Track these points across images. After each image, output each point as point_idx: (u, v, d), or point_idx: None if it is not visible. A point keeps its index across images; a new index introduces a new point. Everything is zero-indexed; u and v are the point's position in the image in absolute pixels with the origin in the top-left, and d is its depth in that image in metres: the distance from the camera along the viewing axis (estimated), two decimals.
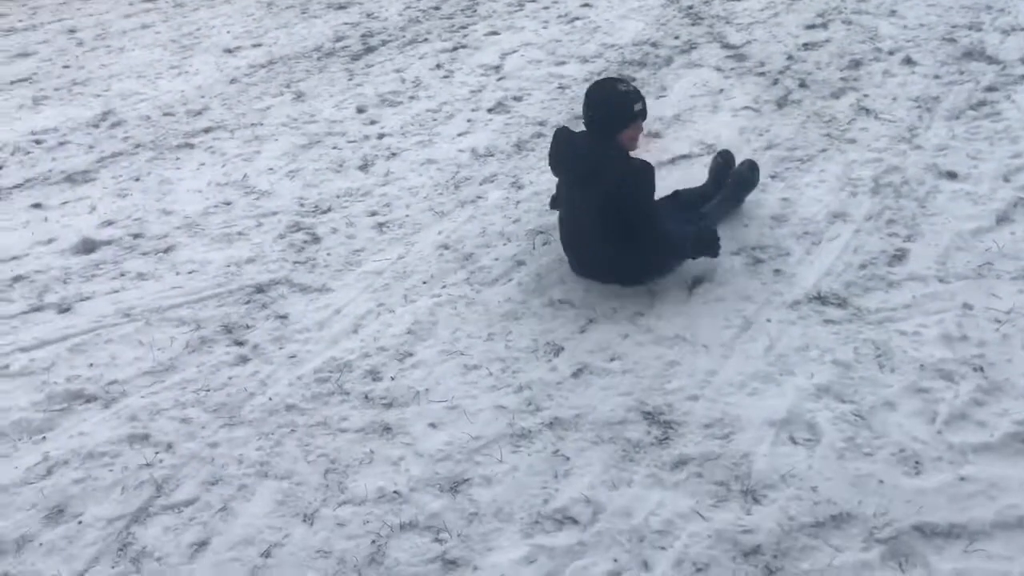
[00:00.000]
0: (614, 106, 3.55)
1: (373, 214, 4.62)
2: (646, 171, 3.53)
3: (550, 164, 3.81)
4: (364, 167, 5.18)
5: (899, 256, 3.78)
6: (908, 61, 5.72)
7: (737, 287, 3.69)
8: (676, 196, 4.09)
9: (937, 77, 5.45)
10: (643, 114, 3.59)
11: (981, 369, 3.06)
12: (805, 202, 4.27)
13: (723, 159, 4.26)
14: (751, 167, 4.21)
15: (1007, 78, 5.28)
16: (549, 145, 3.81)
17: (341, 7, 8.51)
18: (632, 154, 3.63)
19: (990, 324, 3.29)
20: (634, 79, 5.93)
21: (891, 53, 5.89)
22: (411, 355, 3.46)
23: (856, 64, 5.80)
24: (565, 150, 3.68)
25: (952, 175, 4.35)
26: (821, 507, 2.61)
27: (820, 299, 3.56)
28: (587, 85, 5.96)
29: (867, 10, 6.69)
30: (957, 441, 2.79)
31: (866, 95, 5.35)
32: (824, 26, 6.51)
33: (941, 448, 2.77)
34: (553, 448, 2.94)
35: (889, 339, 3.27)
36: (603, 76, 3.65)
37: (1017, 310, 3.33)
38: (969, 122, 4.85)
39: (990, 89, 5.19)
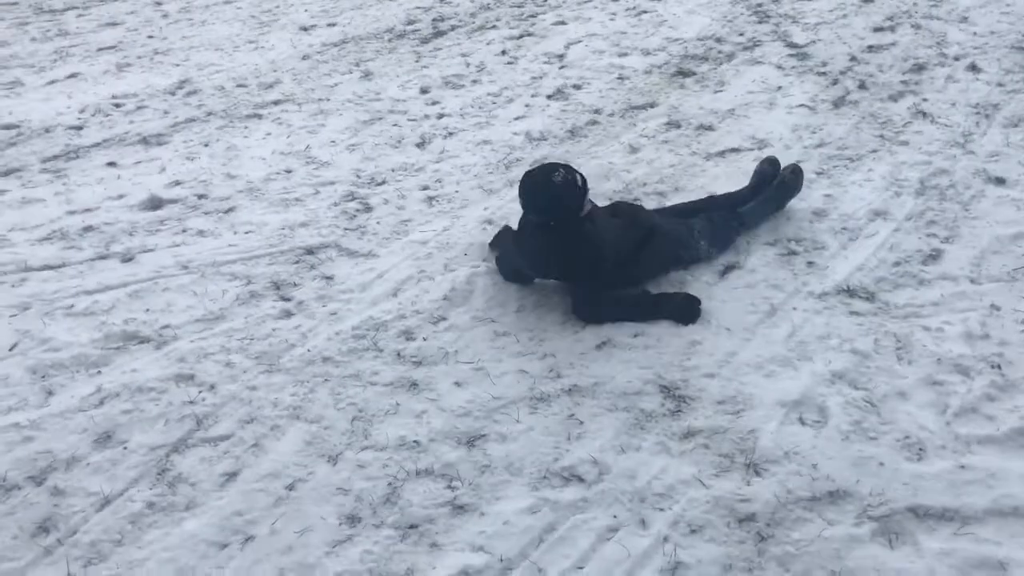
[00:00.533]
0: (568, 200, 3.51)
1: (424, 188, 4.79)
2: (591, 240, 3.56)
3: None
4: (421, 144, 5.36)
5: (934, 256, 3.81)
6: (973, 67, 5.68)
7: (768, 275, 3.76)
8: (711, 199, 4.16)
9: (1000, 85, 5.42)
10: (585, 182, 3.57)
11: (998, 367, 3.10)
12: (848, 199, 4.31)
13: (768, 166, 4.25)
14: (795, 171, 4.21)
15: None
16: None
17: None
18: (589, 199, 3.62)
19: (1015, 325, 3.31)
20: (694, 72, 6.00)
21: (956, 59, 5.86)
22: (444, 319, 3.62)
23: (919, 68, 5.78)
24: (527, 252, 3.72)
25: (1000, 181, 4.35)
26: (819, 483, 2.69)
27: (848, 292, 3.61)
28: (647, 76, 6.10)
29: (938, 15, 6.64)
30: (963, 432, 2.84)
31: (925, 99, 5.34)
32: (892, 29, 6.49)
33: (947, 438, 2.83)
34: (569, 412, 3.07)
35: (911, 333, 3.32)
36: (526, 173, 3.62)
37: None
38: None
39: None
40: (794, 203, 4.24)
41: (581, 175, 3.54)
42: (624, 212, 3.81)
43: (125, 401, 3.22)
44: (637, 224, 3.73)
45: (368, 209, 4.58)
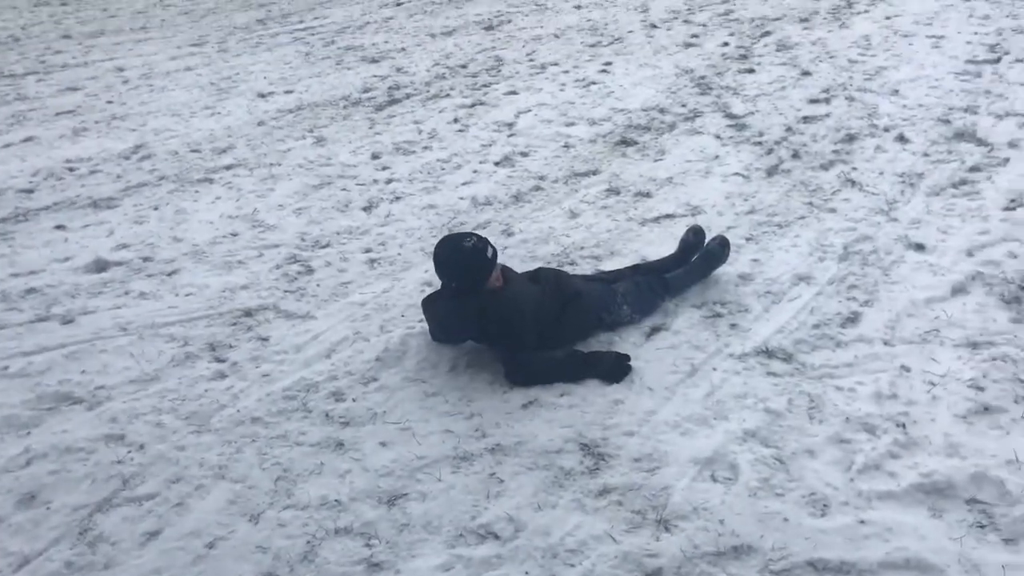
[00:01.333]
0: (474, 267, 3.63)
1: (367, 251, 4.91)
2: (508, 307, 3.65)
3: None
4: (368, 208, 5.49)
5: (852, 319, 3.96)
6: (901, 138, 5.92)
7: (692, 337, 3.88)
8: (638, 266, 4.29)
9: (926, 155, 5.65)
10: (496, 254, 3.68)
11: (903, 425, 3.22)
12: (774, 264, 4.47)
13: (693, 235, 4.39)
14: (722, 243, 4.34)
15: (992, 160, 5.46)
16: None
17: (374, 61, 8.94)
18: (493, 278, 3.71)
19: (923, 386, 3.45)
20: (641, 140, 6.20)
21: (886, 130, 6.10)
22: (375, 380, 3.70)
23: (851, 138, 6.02)
24: (442, 316, 3.83)
25: (920, 247, 4.52)
26: (725, 538, 2.78)
27: (767, 353, 3.74)
28: (591, 145, 6.30)
29: (872, 88, 6.92)
30: (866, 488, 2.94)
31: (855, 168, 5.55)
32: (827, 101, 6.75)
33: (850, 494, 2.93)
34: (490, 471, 3.15)
35: (824, 393, 3.44)
36: (442, 238, 3.83)
37: (951, 374, 3.49)
38: (947, 199, 5.03)
39: (974, 169, 5.37)
40: (722, 268, 4.38)
41: (493, 247, 3.67)
42: (546, 278, 3.93)
43: (52, 462, 3.25)
44: (560, 289, 3.85)
45: (310, 271, 4.67)
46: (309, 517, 2.96)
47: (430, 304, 3.90)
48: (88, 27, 11.26)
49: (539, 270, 4.09)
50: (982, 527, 2.79)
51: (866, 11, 9.19)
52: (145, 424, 3.45)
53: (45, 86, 8.62)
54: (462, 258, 3.63)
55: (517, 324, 3.63)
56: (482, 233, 4.64)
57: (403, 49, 9.33)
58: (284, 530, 2.91)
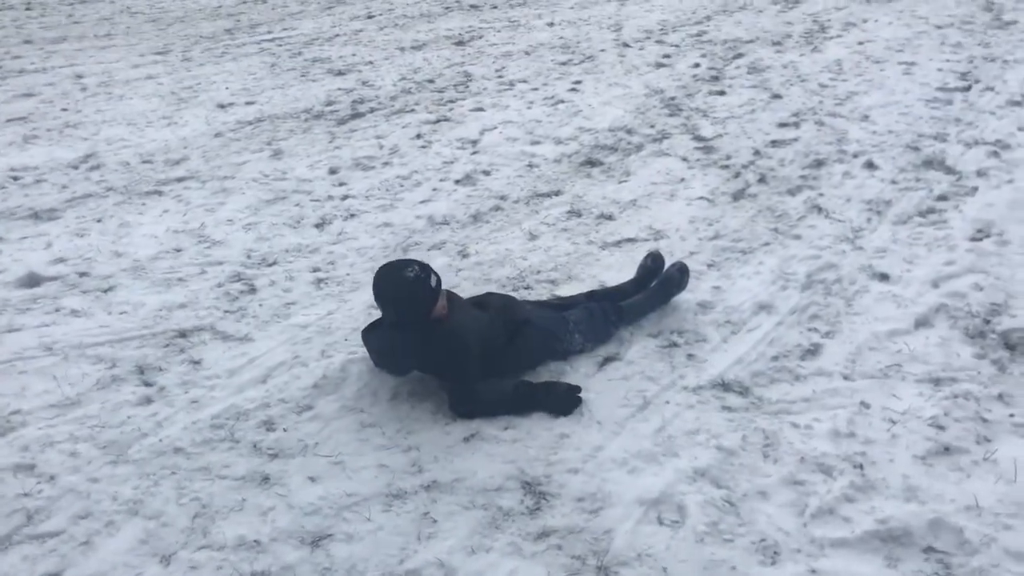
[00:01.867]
0: (417, 298, 3.43)
1: (315, 270, 4.71)
2: (452, 338, 3.46)
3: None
4: (320, 225, 5.29)
5: (812, 351, 3.81)
6: (869, 165, 5.81)
7: (645, 368, 3.72)
8: (593, 293, 4.13)
9: (894, 182, 5.53)
10: (439, 282, 3.51)
11: (860, 467, 3.06)
12: (735, 292, 4.31)
13: (652, 261, 4.24)
14: (681, 270, 4.18)
15: (960, 188, 5.35)
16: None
17: (340, 73, 8.77)
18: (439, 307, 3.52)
19: (882, 423, 3.29)
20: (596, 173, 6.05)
21: (855, 156, 5.99)
22: (310, 408, 3.50)
23: (819, 164, 5.90)
24: (382, 348, 3.65)
25: (884, 276, 4.39)
26: None
27: (724, 386, 3.57)
28: (556, 165, 6.14)
29: (842, 113, 6.82)
30: (819, 535, 2.78)
31: (821, 194, 5.43)
32: (796, 125, 6.64)
33: (802, 540, 2.77)
34: (424, 510, 2.95)
35: (780, 430, 3.28)
36: (382, 265, 3.63)
37: (912, 412, 3.34)
38: (914, 228, 4.91)
39: (941, 198, 5.25)
40: (682, 295, 4.22)
41: (436, 275, 3.49)
42: (494, 304, 3.75)
43: None
44: (508, 316, 3.67)
45: (252, 291, 4.47)
46: (224, 559, 2.76)
47: (370, 334, 3.70)
48: (51, 32, 11.02)
49: (488, 295, 3.92)
50: None
51: (839, 36, 9.12)
52: (59, 453, 3.24)
53: (0, 92, 8.37)
54: (404, 289, 3.43)
55: (461, 356, 3.44)
56: (425, 259, 4.46)
57: (371, 62, 9.16)
58: (196, 573, 2.70)
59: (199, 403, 3.54)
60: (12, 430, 3.37)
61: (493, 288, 4.41)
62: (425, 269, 3.46)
